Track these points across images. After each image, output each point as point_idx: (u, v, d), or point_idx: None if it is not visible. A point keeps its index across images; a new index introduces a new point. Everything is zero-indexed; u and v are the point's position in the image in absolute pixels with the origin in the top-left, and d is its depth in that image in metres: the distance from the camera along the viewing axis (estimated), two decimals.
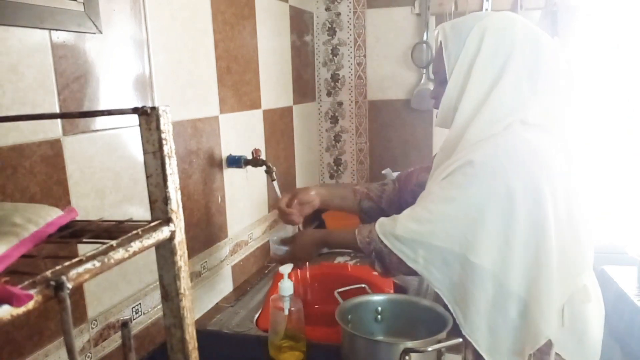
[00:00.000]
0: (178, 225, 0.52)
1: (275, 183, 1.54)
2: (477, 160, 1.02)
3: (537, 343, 1.01)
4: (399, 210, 1.30)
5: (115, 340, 1.05)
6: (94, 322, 1.00)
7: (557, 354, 1.08)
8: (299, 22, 2.02)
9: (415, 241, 1.03)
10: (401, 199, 1.33)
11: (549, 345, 1.05)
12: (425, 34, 2.08)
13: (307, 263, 1.34)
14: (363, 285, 1.25)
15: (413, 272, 1.06)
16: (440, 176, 1.09)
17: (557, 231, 1.02)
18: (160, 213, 0.51)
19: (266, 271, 1.68)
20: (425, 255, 1.03)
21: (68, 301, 0.38)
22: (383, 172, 2.03)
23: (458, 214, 1.01)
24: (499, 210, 1.00)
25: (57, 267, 0.39)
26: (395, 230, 1.05)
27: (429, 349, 0.93)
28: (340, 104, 2.26)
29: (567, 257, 1.04)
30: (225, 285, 1.50)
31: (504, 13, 1.14)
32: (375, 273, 1.42)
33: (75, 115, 0.94)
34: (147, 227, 0.49)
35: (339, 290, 1.22)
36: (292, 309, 1.08)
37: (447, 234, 1.01)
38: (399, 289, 1.48)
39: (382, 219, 1.11)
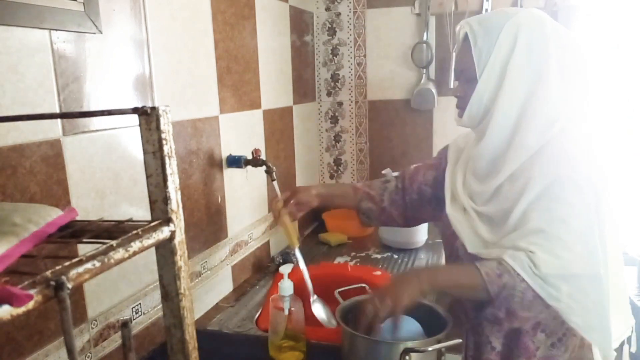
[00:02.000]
0: (178, 225, 0.52)
1: (275, 183, 1.54)
2: (569, 174, 0.99)
3: (629, 327, 1.09)
4: (403, 211, 1.28)
5: (115, 340, 1.05)
6: (94, 322, 1.00)
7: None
8: (299, 22, 2.02)
9: (560, 276, 0.94)
10: (405, 198, 1.30)
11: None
12: (425, 34, 2.08)
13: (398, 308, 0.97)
14: (363, 285, 1.25)
15: (537, 312, 0.98)
16: (525, 197, 1.00)
17: (612, 233, 1.05)
18: (160, 213, 0.51)
19: (266, 271, 1.68)
20: (569, 291, 0.94)
21: (68, 301, 0.38)
22: (383, 172, 2.03)
23: (582, 228, 0.97)
24: (594, 216, 1.00)
25: (57, 267, 0.39)
26: (539, 269, 0.92)
27: (429, 348, 0.93)
28: (340, 104, 2.26)
29: (615, 255, 1.08)
30: (225, 285, 1.50)
31: (532, 10, 1.10)
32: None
33: (75, 115, 0.94)
34: (147, 227, 0.49)
35: (339, 290, 1.22)
36: (292, 309, 1.08)
37: (582, 256, 0.97)
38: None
39: (511, 252, 0.95)
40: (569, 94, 1.06)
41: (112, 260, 0.43)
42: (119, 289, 1.07)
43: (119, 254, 0.44)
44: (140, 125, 0.50)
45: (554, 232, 0.96)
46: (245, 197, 1.59)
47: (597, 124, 1.15)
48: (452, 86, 2.05)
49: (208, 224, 1.39)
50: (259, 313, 1.36)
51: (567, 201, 0.98)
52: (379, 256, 1.78)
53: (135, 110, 0.49)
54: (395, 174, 2.00)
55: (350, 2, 2.16)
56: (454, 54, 2.04)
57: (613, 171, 1.17)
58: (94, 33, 0.96)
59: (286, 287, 1.08)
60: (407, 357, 0.92)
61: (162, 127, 0.49)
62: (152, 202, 0.52)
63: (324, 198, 1.29)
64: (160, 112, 0.49)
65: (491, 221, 1.06)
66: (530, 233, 0.97)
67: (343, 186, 1.54)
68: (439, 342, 0.95)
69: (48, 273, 0.38)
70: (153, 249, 0.52)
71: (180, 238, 0.53)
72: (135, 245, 0.46)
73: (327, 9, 2.19)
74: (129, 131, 1.05)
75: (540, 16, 1.09)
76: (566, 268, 0.94)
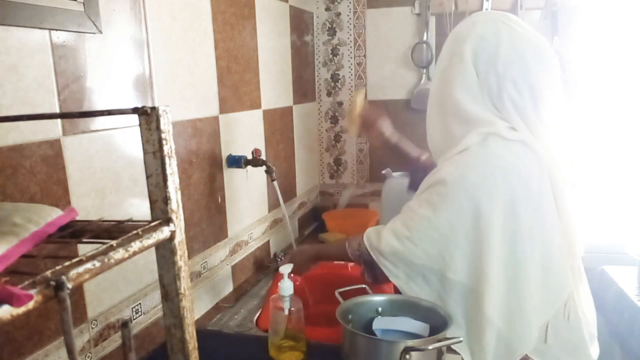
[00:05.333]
0: (178, 225, 0.52)
1: (275, 183, 1.54)
2: (448, 179, 1.03)
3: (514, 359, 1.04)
4: None
5: (115, 340, 1.05)
6: (94, 322, 1.00)
7: None
8: (299, 22, 2.02)
9: (397, 258, 1.08)
10: None
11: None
12: (425, 34, 2.08)
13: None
14: (363, 286, 1.25)
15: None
16: (420, 188, 1.11)
17: (538, 252, 1.02)
18: (160, 213, 0.51)
19: (266, 271, 1.68)
20: (407, 271, 1.08)
21: (68, 301, 0.38)
22: (383, 172, 2.02)
23: (433, 233, 1.04)
24: (471, 229, 1.01)
25: (57, 267, 0.39)
26: (380, 246, 1.09)
27: (430, 347, 0.93)
28: (340, 104, 2.26)
29: (551, 275, 1.05)
30: (225, 285, 1.50)
31: (495, 20, 1.08)
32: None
33: (75, 115, 0.94)
34: (147, 227, 0.49)
35: (339, 290, 1.22)
36: (292, 309, 1.08)
37: (426, 252, 1.05)
38: (399, 289, 1.48)
39: (368, 231, 1.15)
40: (509, 105, 1.04)
41: (112, 260, 0.43)
42: (119, 289, 1.07)
43: (119, 254, 0.44)
44: (140, 125, 0.50)
45: (407, 220, 1.08)
46: (245, 197, 1.59)
47: (562, 135, 1.10)
48: None
49: (208, 224, 1.39)
50: (259, 313, 1.36)
51: (432, 201, 1.05)
52: None
53: (135, 110, 0.49)
54: (396, 174, 2.00)
55: (350, 2, 2.16)
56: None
57: (565, 176, 1.10)
58: (94, 33, 0.96)
59: (286, 287, 1.08)
60: (407, 356, 0.92)
61: (162, 127, 0.49)
62: (152, 202, 0.52)
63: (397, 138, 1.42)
64: (160, 112, 0.49)
65: None
66: (401, 213, 1.12)
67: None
68: (439, 341, 0.95)
69: (48, 273, 0.38)
70: (153, 249, 0.52)
71: (180, 238, 0.53)
72: (135, 245, 0.46)
73: (327, 9, 2.19)
74: (129, 131, 1.05)
75: (497, 28, 1.06)
76: (404, 254, 1.06)
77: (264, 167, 1.53)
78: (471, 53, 1.05)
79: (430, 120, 1.16)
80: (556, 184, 1.06)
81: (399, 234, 1.08)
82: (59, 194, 0.90)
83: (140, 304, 1.13)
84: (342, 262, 1.70)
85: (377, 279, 1.16)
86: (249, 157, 1.51)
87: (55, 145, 0.89)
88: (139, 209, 1.08)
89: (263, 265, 1.71)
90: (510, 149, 1.03)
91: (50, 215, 0.51)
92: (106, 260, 0.43)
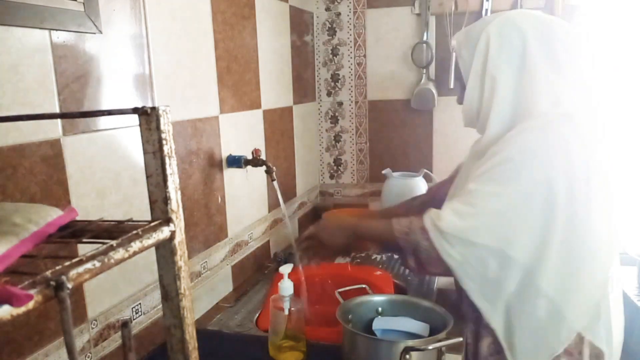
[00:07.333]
0: (178, 225, 0.52)
1: (275, 183, 1.54)
2: (517, 156, 1.01)
3: (569, 339, 1.02)
4: None
5: (115, 340, 1.05)
6: (94, 322, 1.00)
7: (590, 342, 1.08)
8: (299, 22, 2.02)
9: (456, 237, 1.00)
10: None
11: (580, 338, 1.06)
12: (425, 34, 2.08)
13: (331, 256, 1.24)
14: (364, 286, 1.25)
15: (446, 272, 1.03)
16: (474, 173, 1.07)
17: (595, 230, 1.02)
18: (160, 213, 0.51)
19: (266, 271, 1.68)
20: (462, 252, 1.00)
21: (68, 301, 0.38)
22: (383, 172, 2.03)
23: (502, 209, 1.00)
24: (540, 207, 0.99)
25: (57, 267, 0.39)
26: (440, 224, 1.01)
27: (430, 347, 0.93)
28: (340, 104, 2.26)
29: (602, 252, 1.04)
30: (225, 285, 1.50)
31: (515, 11, 1.14)
32: (394, 279, 1.44)
33: (75, 115, 0.94)
34: (147, 227, 0.49)
35: (339, 290, 1.22)
36: (292, 309, 1.08)
37: (489, 230, 1.00)
38: (399, 289, 1.48)
39: (428, 211, 1.06)
40: (554, 84, 1.06)
41: (112, 260, 0.43)
42: (119, 289, 1.07)
43: (119, 254, 0.44)
44: (140, 125, 0.50)
45: (470, 199, 1.02)
46: (245, 197, 1.59)
47: (597, 113, 1.11)
48: (452, 86, 2.06)
49: (208, 224, 1.39)
50: (259, 313, 1.36)
51: (500, 179, 1.01)
52: (379, 256, 1.78)
53: (135, 110, 0.49)
54: (396, 173, 2.00)
55: (350, 2, 2.16)
56: (454, 54, 2.04)
57: (615, 167, 1.11)
58: (94, 33, 0.96)
59: (286, 287, 1.08)
60: (407, 356, 0.92)
61: (162, 127, 0.49)
62: (152, 202, 0.52)
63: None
64: (160, 112, 0.49)
65: None
66: (454, 197, 1.06)
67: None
68: (439, 341, 0.95)
69: (48, 273, 0.38)
70: (153, 249, 0.52)
71: (180, 238, 0.53)
72: (135, 245, 0.46)
73: (327, 9, 2.19)
74: (129, 131, 1.05)
75: (520, 14, 1.12)
76: (465, 232, 0.99)
77: (264, 167, 1.53)
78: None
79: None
80: (608, 177, 1.06)
81: (460, 211, 1.01)
82: (59, 194, 0.90)
83: (140, 304, 1.13)
84: (343, 262, 1.71)
85: (422, 266, 1.05)
86: (249, 157, 1.51)
87: (55, 145, 0.89)
88: (139, 209, 1.08)
89: (263, 265, 1.71)
90: (569, 126, 1.03)
91: (50, 215, 0.51)
92: (106, 260, 0.43)
